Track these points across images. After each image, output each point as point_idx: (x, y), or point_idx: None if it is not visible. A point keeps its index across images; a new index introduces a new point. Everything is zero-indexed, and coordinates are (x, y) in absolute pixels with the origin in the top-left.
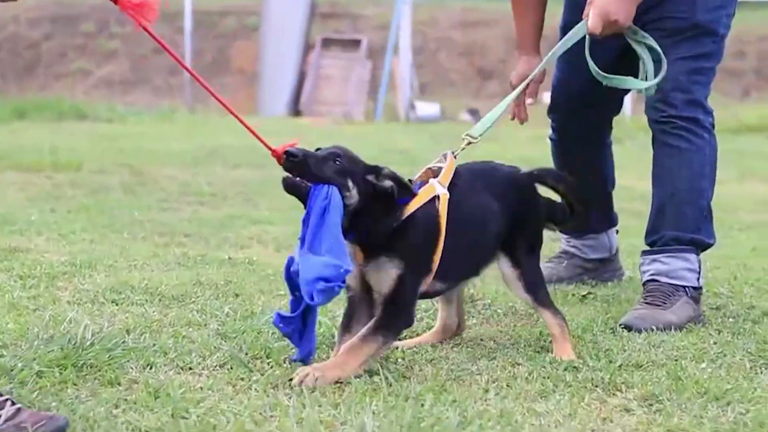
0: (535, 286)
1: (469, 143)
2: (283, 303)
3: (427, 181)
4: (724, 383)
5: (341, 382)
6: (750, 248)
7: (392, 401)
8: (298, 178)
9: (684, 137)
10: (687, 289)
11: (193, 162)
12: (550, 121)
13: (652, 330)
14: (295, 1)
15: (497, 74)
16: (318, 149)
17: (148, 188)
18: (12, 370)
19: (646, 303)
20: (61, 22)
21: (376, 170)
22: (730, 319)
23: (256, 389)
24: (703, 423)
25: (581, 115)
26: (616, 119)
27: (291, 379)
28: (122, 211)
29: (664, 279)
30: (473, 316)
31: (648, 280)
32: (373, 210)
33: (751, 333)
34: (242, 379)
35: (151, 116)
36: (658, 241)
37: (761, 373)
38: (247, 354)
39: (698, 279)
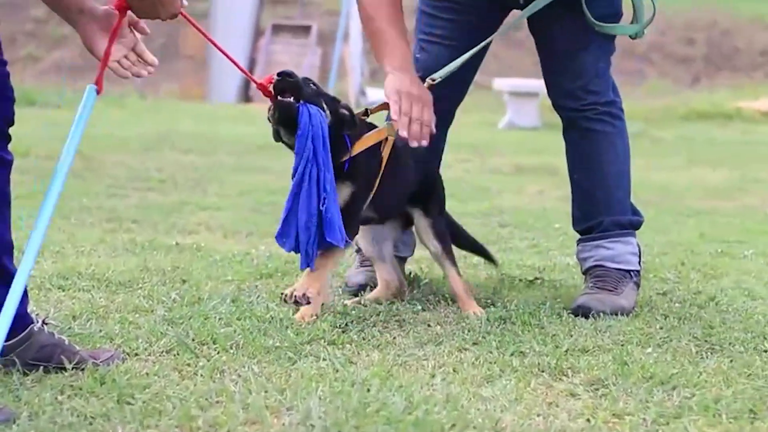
0: (444, 238)
1: (431, 86)
2: (230, 289)
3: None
4: (670, 368)
5: (291, 362)
6: (698, 234)
7: (338, 386)
8: (289, 96)
9: (607, 122)
10: (632, 273)
11: (142, 148)
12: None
13: (606, 314)
14: None
15: None
16: (281, 73)
17: (96, 174)
18: None
19: (597, 288)
20: (10, 8)
21: (336, 100)
22: (677, 305)
23: (202, 375)
24: (649, 407)
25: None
26: None
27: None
28: (70, 198)
29: (610, 264)
30: (420, 302)
31: (593, 266)
32: (334, 134)
33: (697, 318)
34: (188, 364)
35: (100, 102)
36: (596, 226)
37: (707, 357)
38: (193, 340)
39: (639, 262)
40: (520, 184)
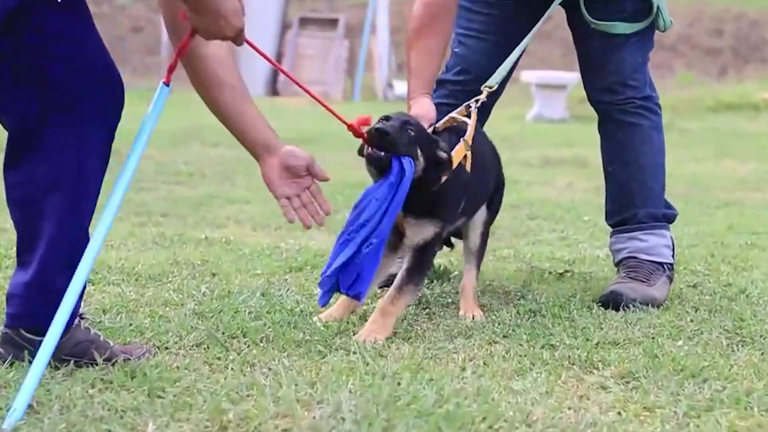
0: (485, 239)
1: (489, 93)
2: (259, 282)
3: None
4: (701, 360)
5: (321, 356)
6: (726, 226)
7: (369, 380)
8: (383, 153)
9: (644, 115)
10: (665, 266)
11: (170, 141)
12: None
13: (637, 303)
14: None
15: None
16: (386, 117)
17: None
18: None
19: (629, 278)
20: None
21: (436, 141)
22: (707, 297)
23: (232, 368)
24: (680, 400)
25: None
26: None
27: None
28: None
29: (644, 256)
30: (449, 295)
31: (626, 257)
32: (425, 176)
33: (727, 310)
34: (219, 358)
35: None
36: (630, 218)
37: (738, 350)
38: (223, 333)
39: (672, 255)
40: (549, 177)
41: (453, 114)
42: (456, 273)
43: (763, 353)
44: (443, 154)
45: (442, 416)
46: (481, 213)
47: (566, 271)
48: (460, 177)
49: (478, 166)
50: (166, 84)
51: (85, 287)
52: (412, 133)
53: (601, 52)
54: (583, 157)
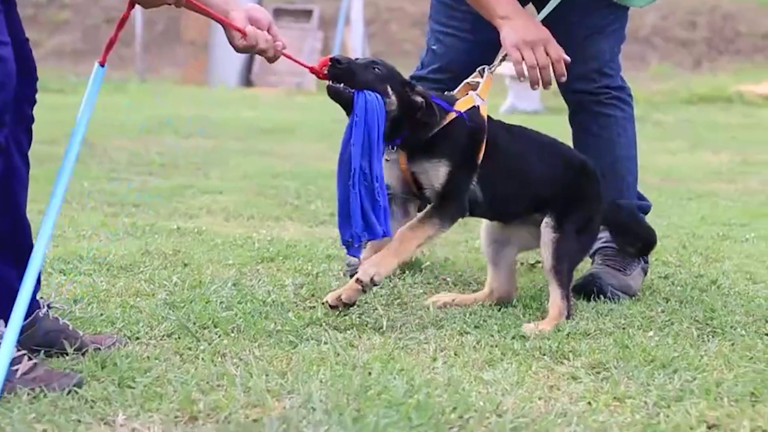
0: (564, 260)
1: (503, 59)
2: (231, 273)
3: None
4: (671, 351)
5: (292, 346)
6: (699, 217)
7: (340, 370)
8: (342, 85)
9: (618, 106)
10: (640, 258)
11: (143, 132)
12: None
13: (614, 289)
14: None
15: None
16: (356, 59)
17: (97, 159)
18: None
19: (607, 265)
20: None
21: (410, 85)
22: (678, 288)
23: (203, 359)
24: (650, 390)
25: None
26: None
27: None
28: (71, 182)
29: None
30: (420, 285)
31: (603, 246)
32: (411, 118)
33: (698, 301)
34: (189, 348)
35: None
36: None
37: (708, 341)
38: (194, 324)
39: None
40: None
41: (468, 80)
42: (428, 263)
43: (733, 344)
44: (419, 98)
45: (412, 406)
46: (547, 231)
47: (537, 262)
48: (471, 125)
49: (519, 143)
50: (102, 64)
51: (38, 278)
52: (378, 71)
53: (580, 41)
54: None
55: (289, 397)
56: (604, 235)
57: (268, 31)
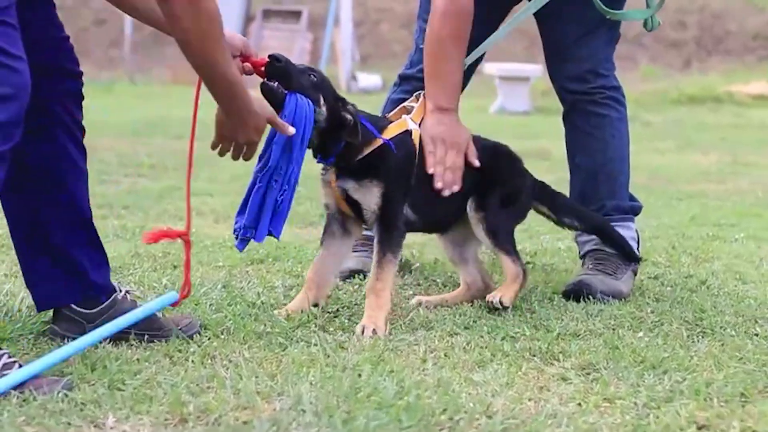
0: (497, 230)
1: None
2: (221, 275)
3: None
4: (661, 352)
5: (282, 348)
6: (689, 217)
7: (329, 372)
8: (276, 84)
9: (612, 106)
10: (631, 260)
11: (132, 133)
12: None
13: (605, 295)
14: None
15: None
16: (269, 56)
17: (87, 160)
18: None
19: (597, 270)
20: None
21: (342, 101)
22: (668, 288)
23: (193, 361)
24: (640, 391)
25: None
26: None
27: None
28: None
29: (610, 249)
30: (410, 287)
31: (593, 249)
32: (339, 134)
33: (688, 302)
34: (179, 350)
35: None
36: (597, 211)
37: (698, 341)
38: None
39: (638, 248)
40: None
41: (405, 104)
42: (417, 265)
43: (723, 344)
44: (348, 116)
45: (402, 408)
46: (472, 212)
47: (528, 263)
48: (404, 144)
49: None
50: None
51: (107, 261)
52: (314, 78)
53: (574, 40)
54: (545, 150)
55: (279, 399)
56: (593, 238)
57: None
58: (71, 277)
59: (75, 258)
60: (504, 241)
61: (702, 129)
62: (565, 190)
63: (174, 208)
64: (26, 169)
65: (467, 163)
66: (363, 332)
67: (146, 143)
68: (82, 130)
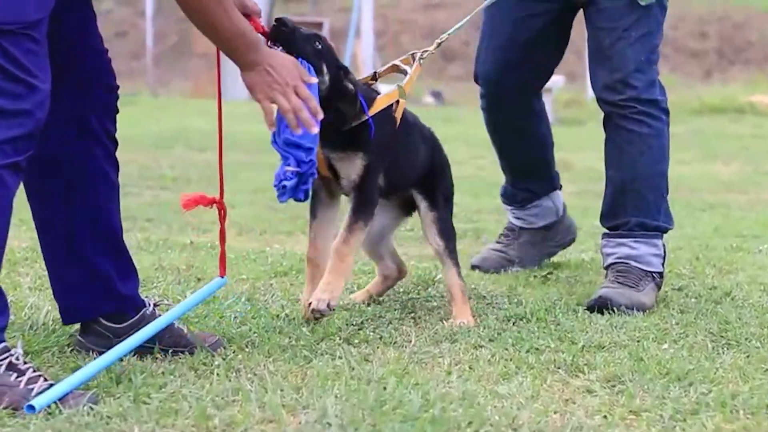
0: (449, 233)
1: (439, 45)
2: (245, 287)
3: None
4: (687, 364)
5: (306, 361)
6: (712, 228)
7: (354, 385)
8: (280, 49)
9: (645, 122)
10: (654, 274)
11: (155, 145)
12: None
13: (627, 308)
14: None
15: (460, 56)
16: (276, 19)
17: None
18: None
19: (618, 283)
20: None
21: (345, 69)
22: (692, 300)
23: (217, 374)
24: (666, 404)
25: (511, 82)
26: (578, 100)
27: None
28: None
29: (633, 263)
30: (434, 299)
31: (615, 262)
32: (336, 103)
33: (713, 313)
34: (204, 363)
35: None
36: (622, 225)
37: (723, 353)
38: None
39: (662, 264)
40: None
41: (396, 61)
42: (440, 276)
43: (748, 356)
44: (350, 86)
45: (427, 421)
46: (426, 211)
47: (550, 273)
48: (390, 119)
49: (409, 127)
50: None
51: (136, 275)
52: (319, 46)
53: (607, 45)
54: (568, 161)
55: (305, 412)
56: (617, 251)
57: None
58: (100, 290)
59: (104, 271)
60: (454, 248)
61: (723, 139)
62: (586, 201)
63: (198, 221)
64: (58, 179)
65: (424, 150)
66: (311, 305)
67: (168, 155)
68: (115, 144)
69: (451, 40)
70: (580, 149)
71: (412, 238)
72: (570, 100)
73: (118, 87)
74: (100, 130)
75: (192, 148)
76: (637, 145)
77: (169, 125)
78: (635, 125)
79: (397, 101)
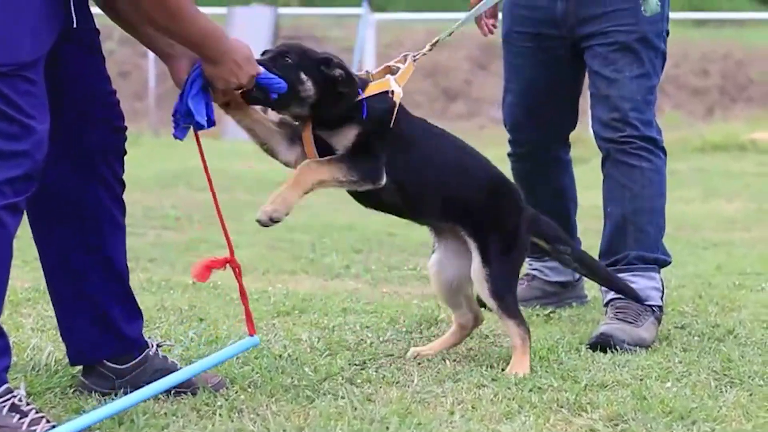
0: (503, 291)
1: (432, 47)
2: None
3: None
4: (690, 402)
5: (309, 401)
6: (715, 266)
7: (357, 425)
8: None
9: (644, 157)
10: (653, 308)
11: (158, 186)
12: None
13: (627, 344)
14: (258, 24)
15: (462, 95)
16: (265, 51)
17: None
18: None
19: (618, 319)
20: None
21: (326, 61)
22: (695, 338)
23: (220, 414)
24: None
25: (541, 131)
26: (582, 138)
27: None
28: None
29: (624, 297)
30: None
31: (614, 299)
32: (332, 98)
33: (716, 351)
34: (206, 404)
35: None
36: (621, 260)
37: (726, 391)
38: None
39: (661, 298)
40: None
41: (390, 63)
42: (443, 317)
43: (751, 394)
44: (337, 72)
45: None
46: (477, 261)
47: (552, 312)
48: (382, 101)
49: (430, 132)
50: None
51: (140, 315)
52: (289, 61)
53: (604, 86)
54: None
55: None
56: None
57: None
58: (107, 332)
59: (109, 312)
60: (510, 304)
61: (726, 177)
62: (590, 239)
63: (200, 260)
64: (64, 220)
65: (470, 177)
66: (271, 211)
67: (171, 195)
68: (122, 185)
69: (453, 79)
70: (585, 187)
71: (414, 276)
72: (574, 138)
73: (125, 128)
74: (107, 171)
75: (194, 188)
76: (639, 178)
77: (171, 165)
78: (636, 160)
79: (392, 92)
